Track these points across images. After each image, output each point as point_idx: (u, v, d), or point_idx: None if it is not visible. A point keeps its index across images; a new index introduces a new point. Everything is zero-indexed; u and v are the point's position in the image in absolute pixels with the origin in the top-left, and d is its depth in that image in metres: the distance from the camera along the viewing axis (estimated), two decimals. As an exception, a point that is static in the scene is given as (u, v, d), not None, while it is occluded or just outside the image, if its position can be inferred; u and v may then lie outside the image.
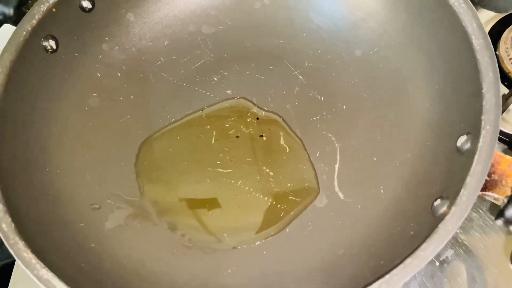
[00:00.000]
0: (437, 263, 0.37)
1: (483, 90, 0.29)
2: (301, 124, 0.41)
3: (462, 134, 0.31)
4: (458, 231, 0.38)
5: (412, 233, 0.30)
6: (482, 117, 0.28)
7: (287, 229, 0.37)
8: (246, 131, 0.41)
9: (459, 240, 0.38)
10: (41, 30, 0.37)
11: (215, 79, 0.43)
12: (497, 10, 0.45)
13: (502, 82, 0.42)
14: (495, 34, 0.44)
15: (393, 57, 0.39)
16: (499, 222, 0.28)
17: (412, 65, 0.38)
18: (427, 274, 0.37)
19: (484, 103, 0.29)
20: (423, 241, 0.26)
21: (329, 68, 0.42)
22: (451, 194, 0.28)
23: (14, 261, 0.41)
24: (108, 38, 0.43)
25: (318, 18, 0.43)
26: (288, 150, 0.40)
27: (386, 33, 0.40)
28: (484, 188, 0.27)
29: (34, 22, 0.36)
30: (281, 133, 0.41)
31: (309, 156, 0.39)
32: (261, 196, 0.38)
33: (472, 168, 0.27)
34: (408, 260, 0.26)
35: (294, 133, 0.40)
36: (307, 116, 0.41)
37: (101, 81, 0.42)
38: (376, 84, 0.40)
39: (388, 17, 0.40)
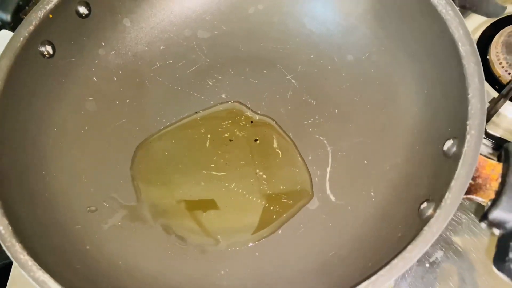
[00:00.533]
0: (427, 265, 0.38)
1: (469, 96, 0.29)
2: (294, 128, 0.41)
3: (449, 139, 0.31)
4: (448, 232, 0.39)
5: (399, 235, 0.31)
6: (468, 122, 0.29)
7: (280, 231, 0.37)
8: (240, 135, 0.42)
9: (449, 242, 0.38)
10: (38, 35, 0.38)
11: (210, 83, 0.44)
12: (488, 15, 0.45)
13: (493, 86, 0.42)
14: (486, 38, 0.45)
15: (384, 62, 0.40)
16: (483, 225, 0.28)
17: (402, 70, 0.39)
18: (417, 275, 0.37)
19: (469, 108, 0.29)
20: (409, 243, 0.27)
21: (321, 72, 0.42)
22: (436, 197, 0.28)
23: (12, 262, 0.41)
24: (104, 43, 0.43)
25: (311, 24, 0.44)
26: (281, 153, 0.40)
27: (377, 38, 0.40)
28: (468, 192, 0.28)
29: (31, 28, 0.37)
30: (274, 137, 0.41)
31: (302, 159, 0.40)
32: (254, 199, 0.39)
33: (456, 172, 0.28)
34: (394, 262, 0.26)
35: (288, 136, 0.41)
36: (300, 119, 0.41)
37: (98, 85, 0.43)
38: (367, 88, 0.41)
39: (379, 23, 0.40)
